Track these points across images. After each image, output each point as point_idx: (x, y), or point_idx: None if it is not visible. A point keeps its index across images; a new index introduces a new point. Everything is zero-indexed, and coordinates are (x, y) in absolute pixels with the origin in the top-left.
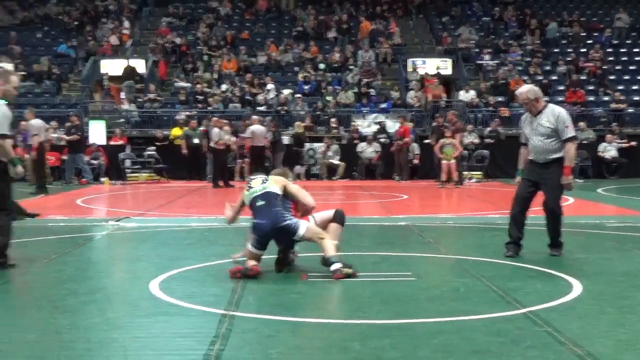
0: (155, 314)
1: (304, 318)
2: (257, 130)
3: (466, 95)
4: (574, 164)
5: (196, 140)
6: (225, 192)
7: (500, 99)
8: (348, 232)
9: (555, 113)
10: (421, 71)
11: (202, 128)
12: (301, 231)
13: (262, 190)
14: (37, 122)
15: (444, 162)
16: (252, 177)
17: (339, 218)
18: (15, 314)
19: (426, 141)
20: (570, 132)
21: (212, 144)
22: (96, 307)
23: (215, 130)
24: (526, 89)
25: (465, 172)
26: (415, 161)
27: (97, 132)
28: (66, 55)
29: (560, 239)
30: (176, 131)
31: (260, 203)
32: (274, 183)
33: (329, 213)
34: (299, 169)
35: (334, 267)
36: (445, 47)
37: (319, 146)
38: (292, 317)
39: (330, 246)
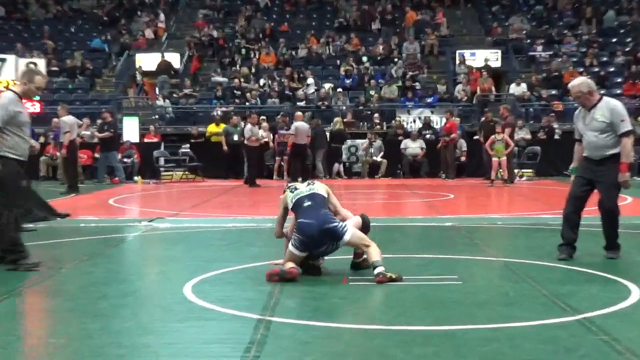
0: (189, 318)
1: (344, 324)
2: (301, 127)
3: (517, 89)
4: (632, 160)
5: (236, 137)
6: (259, 191)
7: (553, 92)
8: (391, 233)
9: (610, 106)
10: (469, 64)
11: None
12: (347, 236)
13: (308, 191)
14: (69, 119)
15: (494, 159)
16: (291, 184)
17: (366, 225)
18: (45, 317)
19: (475, 137)
20: (627, 126)
21: (245, 141)
22: (128, 311)
23: (248, 126)
24: (579, 82)
25: (516, 170)
26: (463, 158)
27: (130, 129)
28: (100, 49)
29: (617, 240)
30: (212, 128)
31: (307, 203)
32: (320, 187)
33: (358, 221)
34: (337, 166)
35: (377, 270)
36: (495, 38)
37: (361, 143)
38: (331, 322)
39: (376, 253)
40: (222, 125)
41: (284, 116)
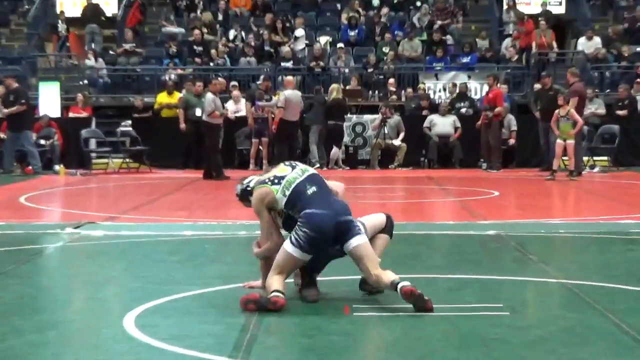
0: None
1: None
2: (294, 97)
3: (588, 45)
4: None
5: (199, 112)
6: (228, 185)
7: (638, 49)
8: (413, 246)
9: None
10: (522, 9)
11: None
12: (358, 241)
13: (302, 173)
14: None
15: (558, 141)
16: (251, 177)
17: (389, 228)
18: None
19: (537, 113)
20: None
21: (204, 117)
22: (48, 351)
23: (209, 96)
24: None
25: (586, 158)
26: (512, 141)
27: (49, 100)
28: None
29: None
30: (163, 98)
31: (312, 189)
32: (304, 165)
33: (380, 219)
34: (335, 152)
35: (402, 283)
36: None
37: (371, 119)
38: None
39: (391, 274)
40: (177, 95)
41: (266, 81)
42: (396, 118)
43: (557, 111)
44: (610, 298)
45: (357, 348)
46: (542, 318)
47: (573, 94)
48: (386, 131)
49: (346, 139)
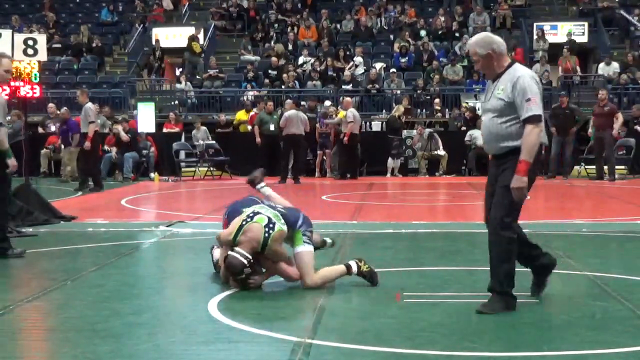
0: (214, 340)
1: (396, 348)
2: (357, 115)
3: (607, 69)
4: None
5: (273, 127)
6: (297, 189)
7: None
8: (455, 242)
9: (514, 77)
10: (550, 38)
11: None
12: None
13: (263, 210)
14: (94, 107)
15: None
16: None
17: None
18: (47, 338)
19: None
20: (533, 109)
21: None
22: (144, 331)
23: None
24: (477, 38)
25: (606, 166)
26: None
27: (146, 117)
28: (110, 23)
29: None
30: (241, 115)
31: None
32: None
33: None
34: (392, 162)
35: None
36: (582, 8)
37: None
38: (381, 346)
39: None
40: (250, 112)
41: (313, 101)
42: (427, 131)
43: None
44: (627, 288)
45: (406, 330)
46: (568, 305)
47: None
48: (430, 144)
49: (394, 151)
